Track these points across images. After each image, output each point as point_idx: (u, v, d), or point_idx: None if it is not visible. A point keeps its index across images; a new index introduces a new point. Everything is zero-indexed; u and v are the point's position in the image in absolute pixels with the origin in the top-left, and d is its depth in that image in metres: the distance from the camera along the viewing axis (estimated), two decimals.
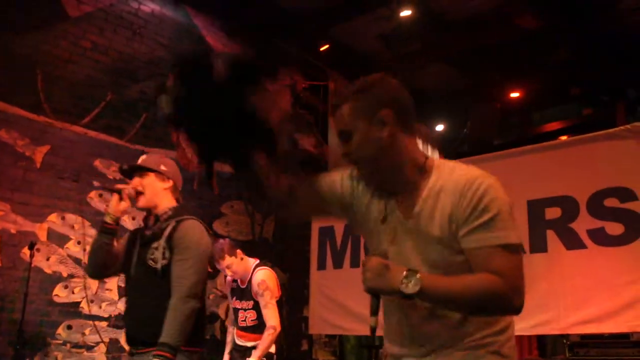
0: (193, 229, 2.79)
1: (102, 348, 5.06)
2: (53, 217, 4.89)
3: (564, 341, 4.72)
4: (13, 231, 4.67)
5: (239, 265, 4.43)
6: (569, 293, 4.60)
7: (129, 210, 3.03)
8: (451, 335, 1.70)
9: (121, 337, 5.08)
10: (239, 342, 4.47)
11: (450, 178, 1.70)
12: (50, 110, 5.02)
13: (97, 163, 5.23)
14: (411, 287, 1.57)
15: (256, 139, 1.85)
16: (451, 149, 9.26)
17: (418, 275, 1.58)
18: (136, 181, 2.85)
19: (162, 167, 2.91)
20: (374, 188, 1.82)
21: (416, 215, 1.71)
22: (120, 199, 2.82)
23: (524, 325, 4.66)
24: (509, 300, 1.59)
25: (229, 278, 4.66)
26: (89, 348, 4.93)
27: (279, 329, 4.28)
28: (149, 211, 2.90)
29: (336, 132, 1.82)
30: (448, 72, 7.89)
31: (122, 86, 5.57)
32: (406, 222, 1.73)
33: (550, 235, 4.79)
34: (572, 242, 4.69)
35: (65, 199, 5.00)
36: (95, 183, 2.91)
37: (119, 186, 2.86)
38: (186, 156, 6.67)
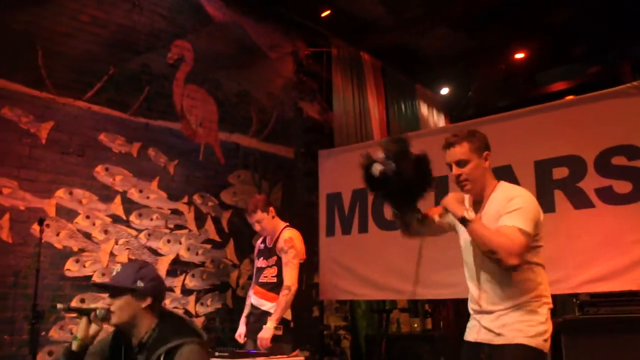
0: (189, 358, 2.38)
1: None
2: (61, 193, 4.91)
3: (574, 300, 4.73)
4: (22, 208, 4.69)
5: (269, 222, 4.51)
6: (578, 252, 4.61)
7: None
8: (502, 304, 2.70)
9: None
10: (254, 300, 4.51)
11: (502, 193, 2.78)
12: (53, 86, 5.00)
13: (102, 137, 5.23)
14: (468, 216, 2.64)
15: None
16: (456, 112, 9.23)
17: (473, 214, 2.66)
18: (109, 301, 2.49)
19: (139, 284, 2.49)
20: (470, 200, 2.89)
21: (483, 215, 2.78)
22: (89, 321, 2.51)
23: None
24: (508, 257, 2.55)
25: (257, 242, 4.74)
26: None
27: (294, 289, 4.31)
28: (127, 330, 2.52)
29: (453, 160, 2.81)
30: (451, 35, 7.81)
31: (124, 59, 5.54)
32: (481, 218, 2.76)
33: (558, 195, 4.79)
34: (580, 201, 4.69)
35: (72, 174, 5.01)
36: (59, 305, 2.63)
37: (90, 306, 2.55)
38: (190, 127, 6.67)
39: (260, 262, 4.60)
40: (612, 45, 7.86)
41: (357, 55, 7.68)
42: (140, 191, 5.45)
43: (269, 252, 4.54)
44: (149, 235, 5.46)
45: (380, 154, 2.85)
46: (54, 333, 4.71)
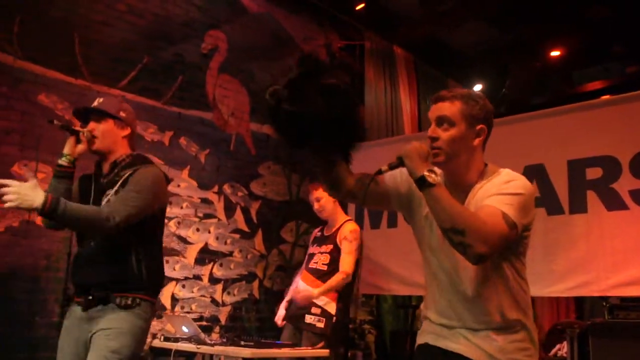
0: (148, 172, 2.67)
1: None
2: None
3: (604, 303, 4.66)
4: None
5: (329, 203, 4.52)
6: (609, 255, 4.53)
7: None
8: (482, 319, 2.03)
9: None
10: (301, 287, 4.47)
11: (495, 180, 2.05)
12: (88, 74, 5.06)
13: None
14: (432, 179, 1.88)
15: None
16: None
17: (439, 178, 1.90)
18: (92, 125, 2.73)
19: (122, 114, 2.77)
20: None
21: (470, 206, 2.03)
22: (78, 141, 2.73)
23: (562, 286, 4.63)
24: (477, 242, 1.82)
25: (315, 230, 4.75)
26: None
27: (349, 278, 4.31)
28: (102, 157, 2.77)
29: (435, 116, 2.08)
30: (485, 30, 7.71)
31: (158, 49, 5.59)
32: None
33: (591, 195, 4.71)
34: (614, 202, 4.60)
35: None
36: (56, 122, 2.81)
37: (78, 128, 2.75)
38: (222, 117, 6.71)
39: (313, 249, 4.59)
40: None
41: (389, 48, 7.65)
42: (171, 179, 5.49)
43: (325, 239, 4.51)
44: (179, 223, 5.51)
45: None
46: None
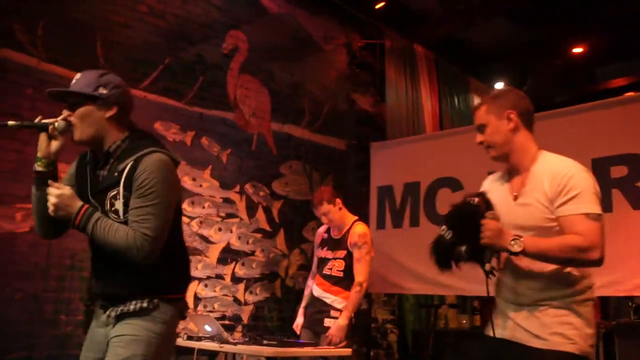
0: (155, 164, 2.21)
1: None
2: None
3: (629, 304, 4.62)
4: None
5: (336, 214, 4.47)
6: (635, 254, 4.48)
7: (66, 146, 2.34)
8: (542, 294, 2.32)
9: None
10: (316, 292, 4.49)
11: (549, 165, 2.34)
12: None
13: (158, 125, 5.32)
14: (516, 247, 2.20)
15: None
16: None
17: (522, 239, 2.20)
18: (66, 112, 2.28)
19: (101, 90, 2.26)
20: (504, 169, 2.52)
21: (524, 193, 2.37)
22: (49, 137, 2.27)
23: None
24: (588, 254, 2.17)
25: (320, 229, 4.73)
26: None
27: (365, 286, 4.32)
28: (93, 147, 2.33)
29: (475, 126, 2.48)
30: (507, 27, 7.65)
31: (179, 49, 5.62)
32: (517, 197, 2.40)
33: (616, 194, 4.66)
34: (639, 201, 4.55)
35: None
36: (10, 122, 2.25)
37: (43, 120, 2.27)
38: (244, 117, 6.74)
39: (324, 253, 4.56)
40: None
41: (410, 47, 7.62)
42: (193, 179, 5.53)
43: (336, 244, 4.49)
44: (201, 222, 5.54)
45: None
46: None
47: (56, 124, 2.25)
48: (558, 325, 2.26)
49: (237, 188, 5.88)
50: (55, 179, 2.29)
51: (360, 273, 4.31)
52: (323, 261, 4.54)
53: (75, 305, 4.65)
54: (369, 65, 7.46)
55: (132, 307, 2.23)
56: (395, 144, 6.63)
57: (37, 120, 2.28)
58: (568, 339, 2.25)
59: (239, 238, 5.83)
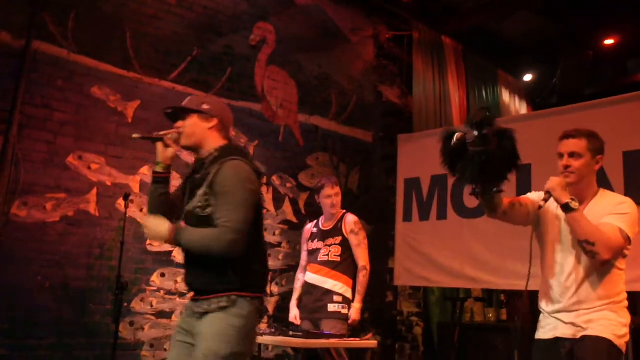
0: (234, 169, 2.55)
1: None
2: (145, 170, 5.07)
3: None
4: (108, 183, 4.88)
5: (339, 198, 4.66)
6: None
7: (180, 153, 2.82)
8: (594, 297, 2.74)
9: None
10: (313, 280, 4.54)
11: (608, 199, 2.85)
12: (140, 67, 5.16)
13: None
14: (575, 204, 2.68)
15: None
16: (540, 100, 8.95)
17: (577, 204, 2.68)
18: (179, 123, 2.74)
19: (205, 106, 2.73)
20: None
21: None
22: (165, 145, 2.76)
23: None
24: (603, 251, 2.63)
25: (307, 226, 4.87)
26: (182, 295, 5.14)
27: (369, 268, 4.47)
28: (195, 153, 2.77)
29: (568, 150, 2.83)
30: (536, 19, 7.55)
31: (207, 41, 5.65)
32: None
33: None
34: None
35: (156, 152, 5.15)
36: (135, 135, 2.82)
37: (160, 133, 2.77)
38: (271, 109, 6.74)
39: (314, 244, 4.64)
40: None
41: (438, 39, 7.55)
42: (264, 173, 5.59)
43: (327, 234, 4.60)
44: None
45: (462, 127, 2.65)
46: (136, 305, 4.89)
47: (169, 135, 2.73)
48: (603, 320, 2.69)
49: (264, 179, 5.90)
50: (167, 182, 2.79)
51: (361, 257, 4.48)
52: (314, 252, 4.62)
53: (104, 294, 4.72)
54: (396, 57, 7.42)
55: (213, 306, 2.52)
56: (423, 136, 6.59)
57: (155, 134, 2.78)
58: (610, 330, 2.67)
59: (266, 229, 5.85)
